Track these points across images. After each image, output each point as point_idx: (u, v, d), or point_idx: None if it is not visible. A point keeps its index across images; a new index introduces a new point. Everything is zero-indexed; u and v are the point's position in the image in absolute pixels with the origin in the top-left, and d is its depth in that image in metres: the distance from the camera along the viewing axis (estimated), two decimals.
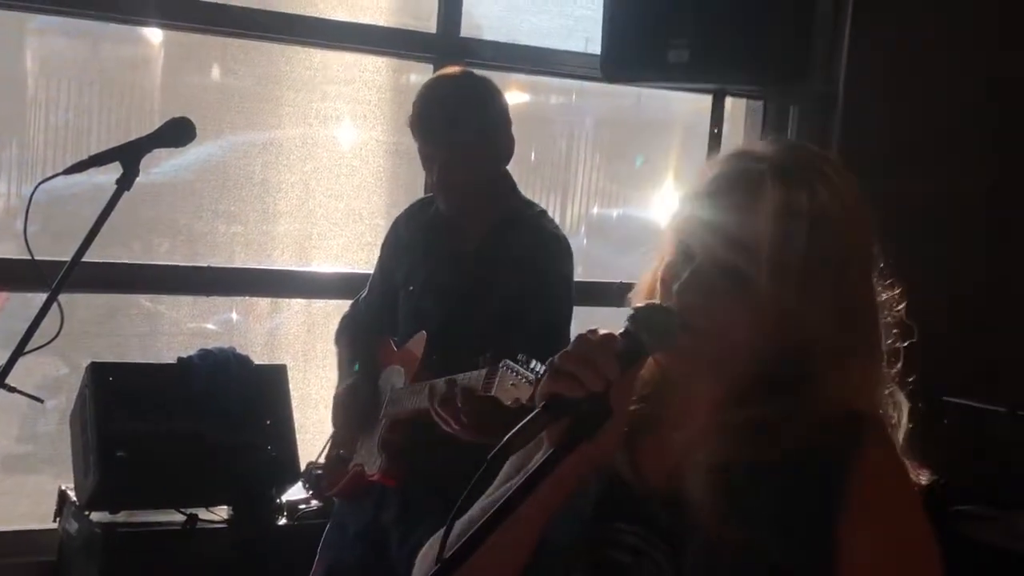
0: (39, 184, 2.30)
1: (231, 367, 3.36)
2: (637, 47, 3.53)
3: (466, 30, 3.93)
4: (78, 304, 3.51)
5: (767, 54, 3.44)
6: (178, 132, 2.41)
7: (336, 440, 2.93)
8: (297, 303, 3.96)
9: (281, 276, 3.85)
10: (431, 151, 2.68)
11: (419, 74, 3.89)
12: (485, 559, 1.15)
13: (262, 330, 3.96)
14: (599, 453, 1.27)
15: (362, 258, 3.85)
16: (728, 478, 1.28)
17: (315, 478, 3.09)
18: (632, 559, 1.34)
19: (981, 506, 3.72)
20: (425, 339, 2.69)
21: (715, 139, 3.77)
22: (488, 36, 4.12)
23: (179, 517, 3.20)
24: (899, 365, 1.39)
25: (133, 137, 2.39)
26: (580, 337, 1.25)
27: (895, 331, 1.38)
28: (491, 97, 2.71)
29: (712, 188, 1.34)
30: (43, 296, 2.26)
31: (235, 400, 3.33)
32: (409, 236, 2.88)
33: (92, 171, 2.32)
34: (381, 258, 2.97)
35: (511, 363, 2.24)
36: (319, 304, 3.89)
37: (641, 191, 4.78)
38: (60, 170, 2.33)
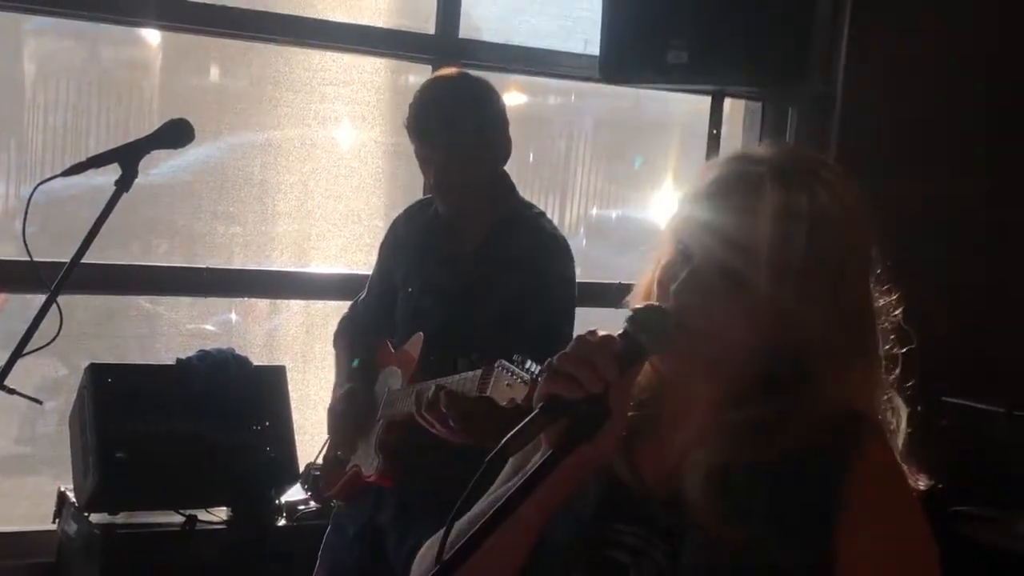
0: (38, 185, 2.30)
1: (230, 368, 3.36)
2: (636, 48, 3.53)
3: (464, 31, 3.92)
4: (77, 305, 3.51)
5: (766, 55, 3.45)
6: (177, 133, 2.41)
7: (334, 442, 2.93)
8: (296, 304, 3.96)
9: (280, 277, 3.85)
10: (428, 153, 2.68)
11: (418, 75, 3.89)
12: (483, 560, 1.15)
13: (261, 331, 3.96)
14: (598, 454, 1.26)
15: (361, 259, 3.85)
16: (727, 478, 1.28)
17: (313, 479, 3.09)
18: (631, 559, 1.34)
19: (980, 506, 3.72)
20: (422, 340, 2.68)
21: (714, 140, 3.77)
22: (487, 37, 4.12)
23: (178, 518, 3.20)
24: (897, 371, 1.39)
25: (132, 138, 2.39)
26: (579, 338, 1.25)
27: (892, 336, 1.38)
28: (488, 98, 2.71)
29: (711, 190, 1.34)
30: (42, 297, 2.26)
31: (234, 401, 3.33)
32: (408, 237, 2.88)
33: (91, 172, 2.32)
34: (380, 259, 2.97)
35: (507, 363, 2.23)
36: (318, 305, 3.89)
37: (640, 192, 4.78)
38: (59, 171, 2.33)
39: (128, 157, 2.31)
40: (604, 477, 1.36)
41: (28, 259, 2.28)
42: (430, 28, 3.89)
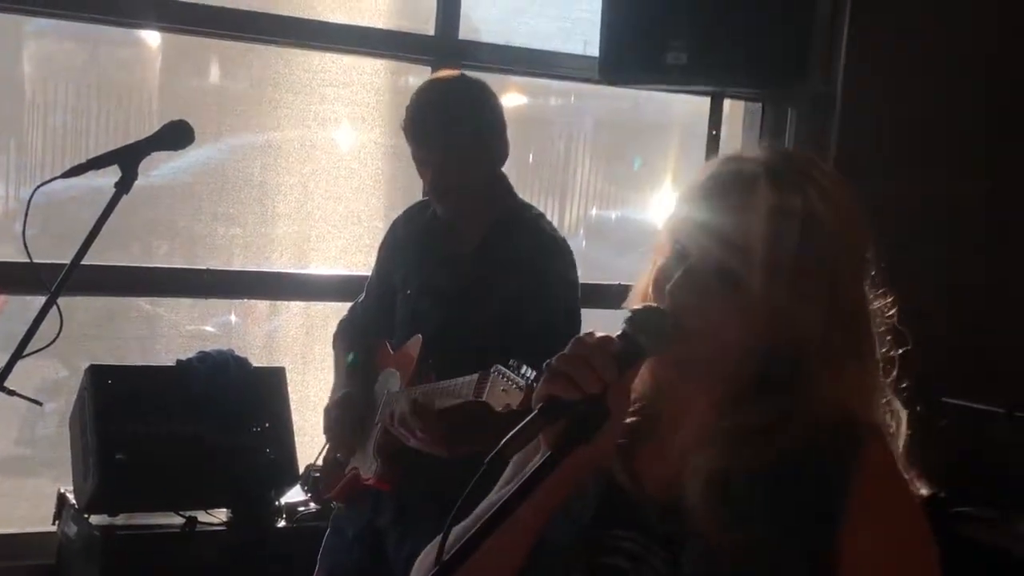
0: (38, 187, 2.29)
1: (230, 369, 3.36)
2: (635, 49, 3.53)
3: (464, 32, 3.93)
4: (77, 307, 3.51)
5: (766, 56, 3.45)
6: (176, 135, 2.41)
7: (333, 444, 2.93)
8: (296, 305, 3.96)
9: (280, 278, 3.85)
10: (425, 155, 2.67)
11: (417, 76, 3.88)
12: (482, 561, 1.15)
13: (261, 332, 3.96)
14: (597, 455, 1.27)
15: (360, 260, 3.85)
16: (727, 484, 1.28)
17: (313, 480, 3.09)
18: (630, 565, 1.34)
19: (979, 507, 3.72)
20: (421, 342, 2.68)
21: (713, 141, 3.77)
22: (486, 38, 4.12)
23: (178, 520, 3.20)
24: (895, 373, 1.39)
25: (131, 140, 2.38)
26: (577, 339, 1.25)
27: (888, 339, 1.38)
28: (485, 99, 2.70)
29: (706, 190, 1.35)
30: (42, 299, 2.26)
31: (234, 402, 3.33)
32: (407, 239, 2.88)
33: (91, 174, 2.31)
34: (379, 260, 2.97)
35: (503, 368, 2.22)
36: (318, 306, 3.89)
37: (640, 193, 4.78)
38: (59, 173, 2.33)
39: (128, 159, 2.31)
40: (603, 480, 1.36)
41: (28, 261, 2.28)
42: (430, 29, 3.89)
